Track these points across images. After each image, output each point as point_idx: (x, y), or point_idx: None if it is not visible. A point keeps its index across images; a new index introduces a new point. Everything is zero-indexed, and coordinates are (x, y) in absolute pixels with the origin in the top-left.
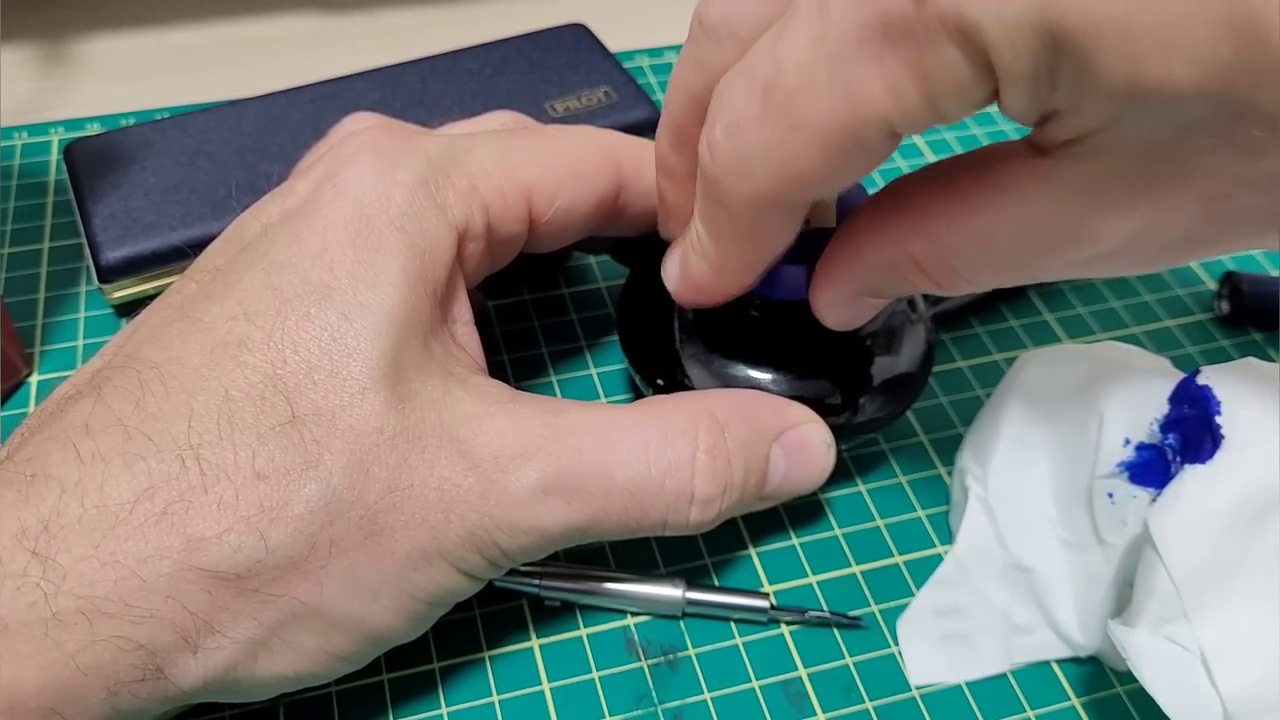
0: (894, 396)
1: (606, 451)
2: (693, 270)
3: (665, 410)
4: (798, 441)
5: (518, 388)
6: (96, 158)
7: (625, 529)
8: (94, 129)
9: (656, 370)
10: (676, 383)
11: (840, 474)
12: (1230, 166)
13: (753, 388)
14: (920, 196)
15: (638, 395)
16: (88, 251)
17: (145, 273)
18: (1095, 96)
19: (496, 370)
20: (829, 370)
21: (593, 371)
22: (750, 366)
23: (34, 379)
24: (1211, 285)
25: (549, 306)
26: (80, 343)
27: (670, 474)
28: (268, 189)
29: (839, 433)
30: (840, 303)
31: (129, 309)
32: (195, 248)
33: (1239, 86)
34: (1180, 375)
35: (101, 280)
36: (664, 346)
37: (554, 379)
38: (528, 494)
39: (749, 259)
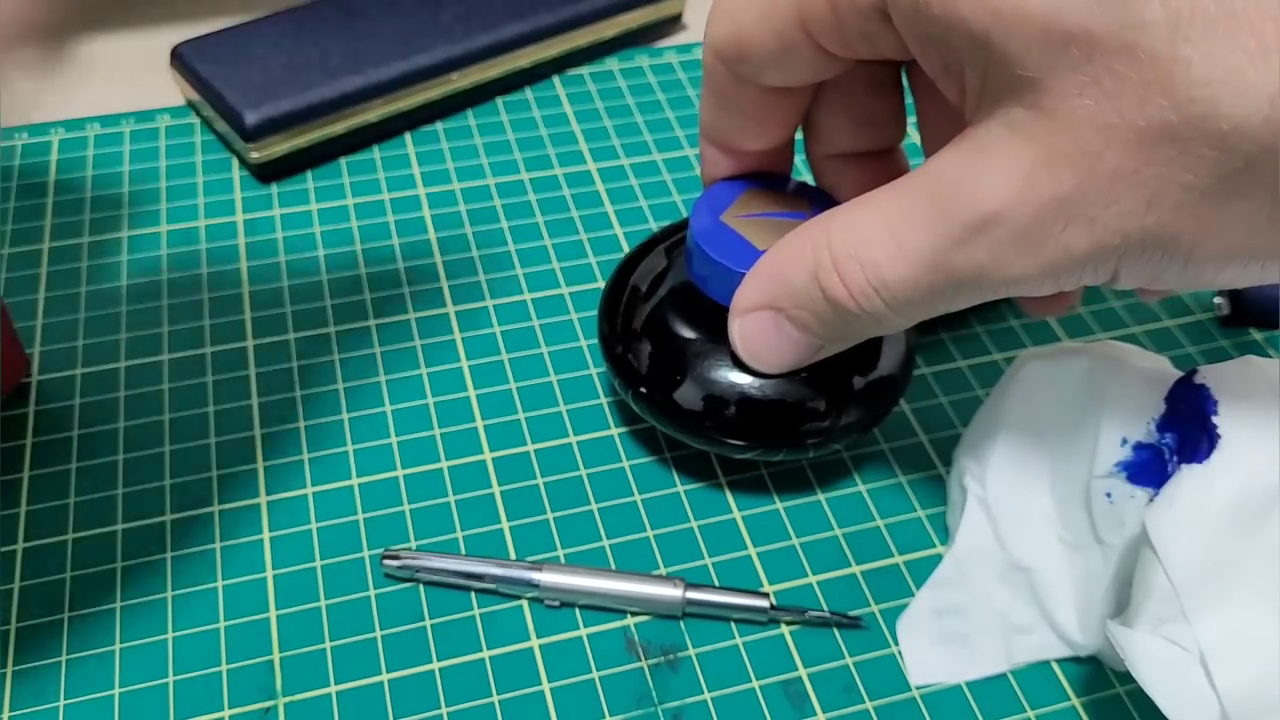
0: (874, 401)
1: None
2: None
3: None
4: None
5: (517, 387)
6: (207, 53)
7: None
8: (94, 129)
9: (636, 377)
10: (661, 388)
11: (840, 474)
12: (1092, 113)
13: (733, 394)
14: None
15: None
16: (221, 126)
17: (286, 131)
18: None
19: (495, 370)
20: (810, 375)
21: (593, 371)
22: (729, 370)
23: (34, 380)
24: None
25: (549, 306)
26: (80, 342)
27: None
28: (374, 54)
29: (821, 438)
30: (756, 327)
31: (269, 170)
32: (326, 107)
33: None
34: (1178, 375)
35: (247, 140)
36: (652, 351)
37: (554, 378)
38: None
39: (723, 125)
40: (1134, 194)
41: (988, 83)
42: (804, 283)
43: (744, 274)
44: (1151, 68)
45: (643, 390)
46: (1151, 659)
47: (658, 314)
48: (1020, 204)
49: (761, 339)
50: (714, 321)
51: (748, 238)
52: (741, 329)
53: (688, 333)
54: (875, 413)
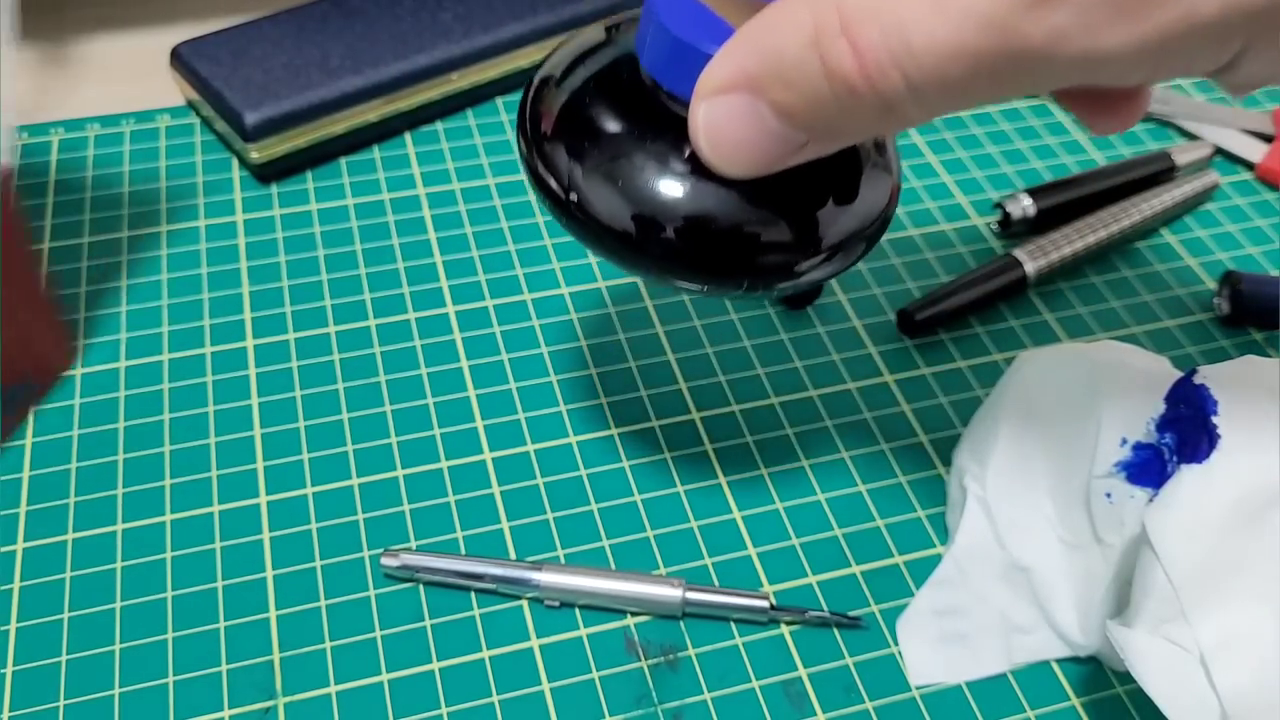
0: (851, 234)
1: None
2: None
3: None
4: None
5: (517, 388)
6: (207, 53)
7: None
8: (94, 129)
9: (562, 186)
10: (591, 201)
11: (840, 474)
12: None
13: (686, 211)
14: None
15: (637, 393)
16: (221, 126)
17: (286, 131)
18: None
19: (495, 370)
20: (774, 186)
21: (593, 371)
22: (681, 180)
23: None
24: (1211, 285)
25: (549, 306)
26: (80, 343)
27: None
28: (374, 54)
29: (782, 279)
30: (725, 113)
31: (269, 170)
32: (326, 107)
33: None
34: (1178, 375)
35: (247, 140)
36: (585, 153)
37: (554, 378)
38: None
39: None
40: None
41: None
42: (797, 53)
43: (713, 55)
44: None
45: (572, 200)
46: (1151, 659)
47: (593, 105)
48: None
49: (730, 129)
50: (669, 122)
51: (722, 14)
52: (706, 116)
53: (632, 131)
54: (851, 245)
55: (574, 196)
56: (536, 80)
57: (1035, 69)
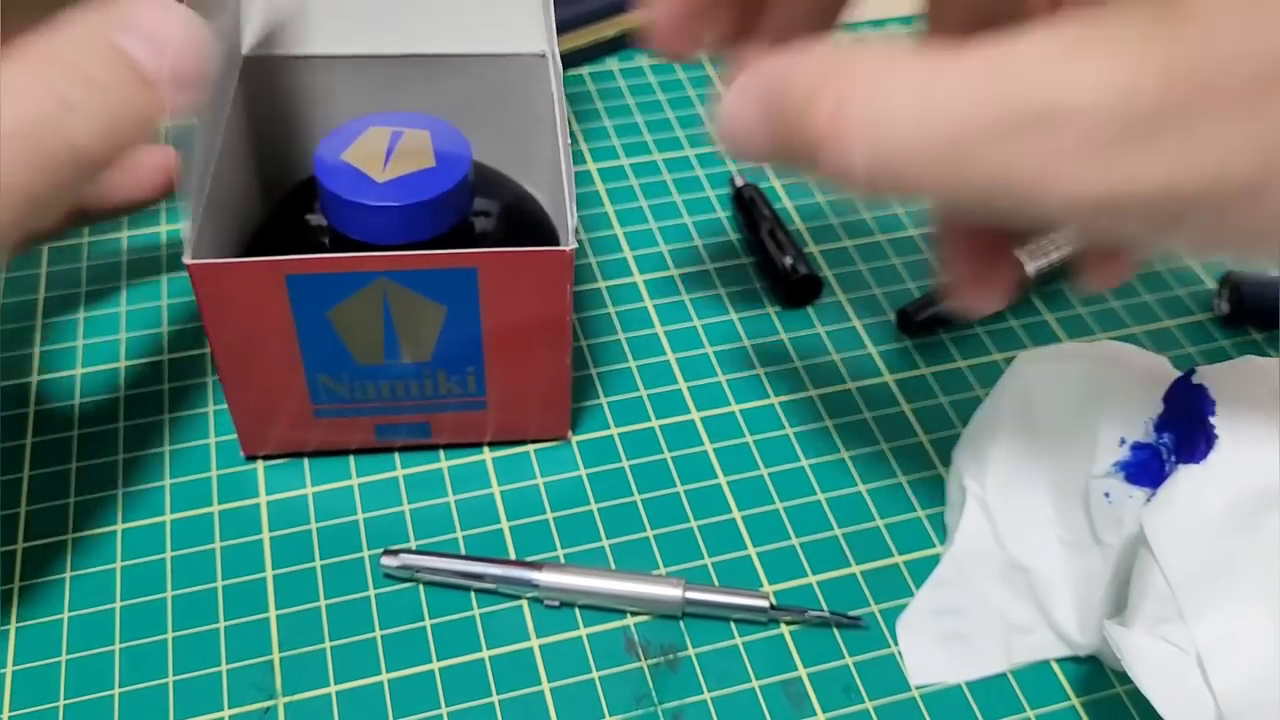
0: None
1: None
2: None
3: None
4: (150, 25)
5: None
6: None
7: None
8: None
9: None
10: None
11: (840, 474)
12: (1237, 32)
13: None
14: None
15: (636, 392)
16: None
17: None
18: None
19: None
20: None
21: (592, 371)
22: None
23: (34, 379)
24: (1211, 285)
25: None
26: (80, 342)
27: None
28: None
29: None
30: (742, 104)
31: None
32: None
33: None
34: (1177, 374)
35: None
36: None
37: None
38: None
39: None
40: (1246, 135)
41: None
42: (800, 92)
43: (364, 204)
44: None
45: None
46: (1148, 659)
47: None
48: (1107, 108)
49: (739, 115)
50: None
51: (367, 171)
52: (728, 100)
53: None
54: None
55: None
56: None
57: (987, 198)
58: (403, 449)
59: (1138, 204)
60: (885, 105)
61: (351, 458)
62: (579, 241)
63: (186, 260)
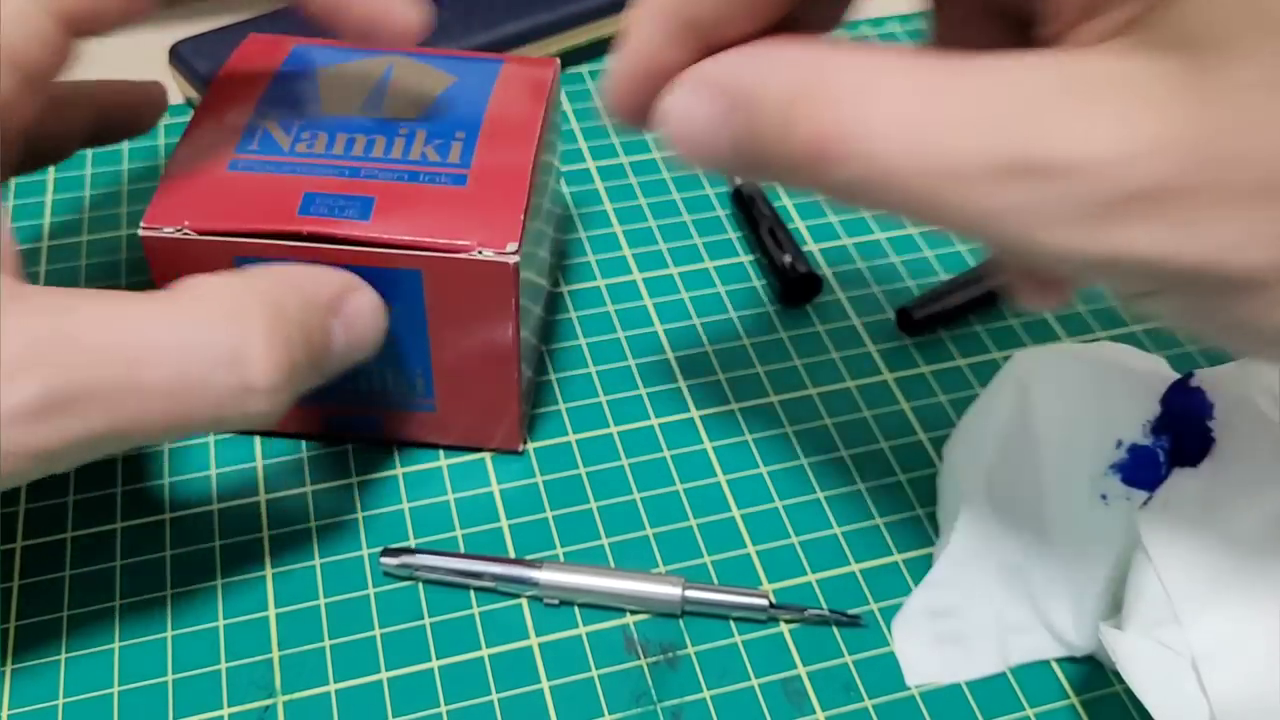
0: None
1: (132, 350)
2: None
3: (205, 294)
4: (354, 310)
5: None
6: (206, 51)
7: (169, 431)
8: None
9: None
10: None
11: (840, 473)
12: (1265, 102)
13: None
14: None
15: (636, 391)
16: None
17: None
18: None
19: None
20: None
21: (592, 370)
22: None
23: None
24: None
25: (547, 303)
26: None
27: (220, 366)
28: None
29: None
30: (695, 103)
31: None
32: None
33: None
34: (1175, 376)
35: None
36: None
37: (553, 377)
38: (24, 413)
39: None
40: (1259, 226)
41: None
42: (775, 101)
43: None
44: None
45: None
46: (1142, 662)
47: None
48: (1115, 167)
49: (687, 117)
50: None
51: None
52: (675, 100)
53: None
54: None
55: None
56: None
57: (971, 236)
58: (401, 446)
59: (1131, 267)
60: (873, 126)
61: (351, 457)
62: (578, 240)
63: (141, 229)
